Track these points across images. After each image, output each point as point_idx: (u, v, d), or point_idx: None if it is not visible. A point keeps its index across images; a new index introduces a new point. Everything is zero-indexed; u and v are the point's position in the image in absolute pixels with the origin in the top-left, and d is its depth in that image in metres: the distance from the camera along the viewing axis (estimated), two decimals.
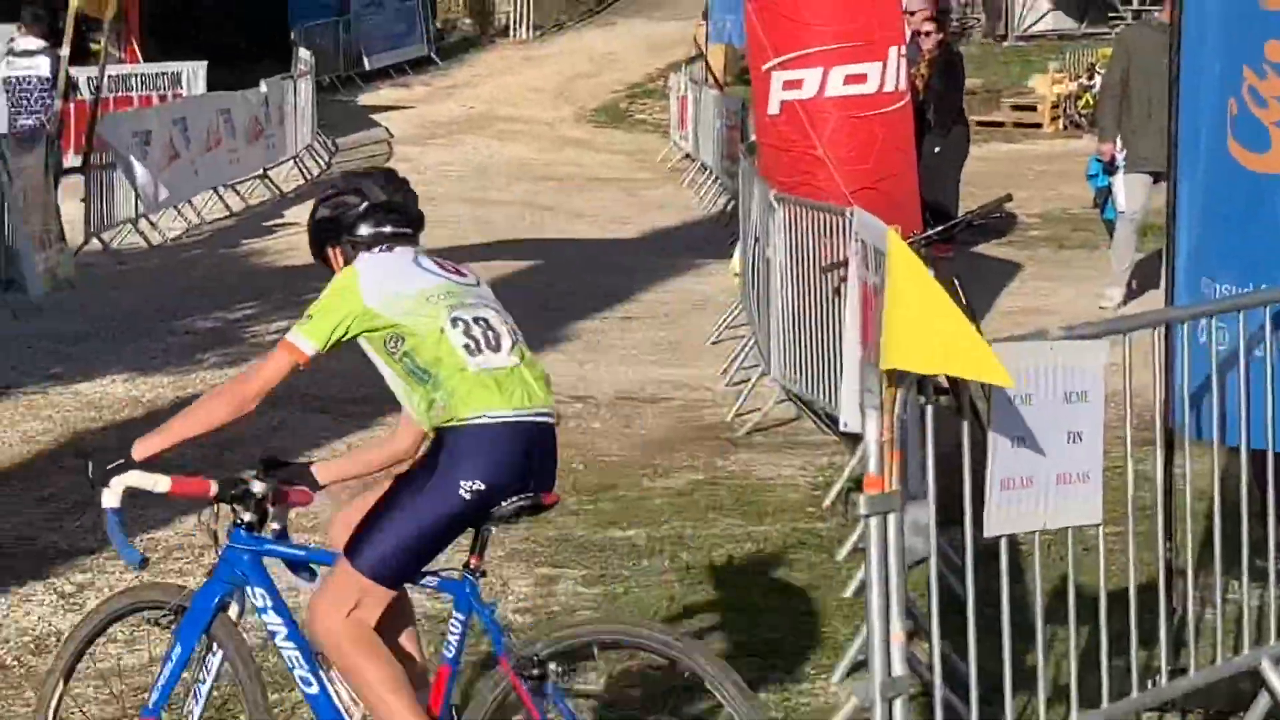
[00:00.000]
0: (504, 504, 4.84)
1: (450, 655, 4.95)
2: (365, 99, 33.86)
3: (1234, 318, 5.64)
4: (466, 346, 4.89)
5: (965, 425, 4.66)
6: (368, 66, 35.66)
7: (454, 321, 4.91)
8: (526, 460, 4.88)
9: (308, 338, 4.90)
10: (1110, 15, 32.74)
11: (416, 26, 37.14)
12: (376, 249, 5.06)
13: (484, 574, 4.99)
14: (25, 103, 17.70)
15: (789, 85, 10.88)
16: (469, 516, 4.86)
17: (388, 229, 5.09)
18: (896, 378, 4.35)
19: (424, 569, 4.97)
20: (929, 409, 4.56)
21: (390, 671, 4.89)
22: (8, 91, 17.90)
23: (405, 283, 4.96)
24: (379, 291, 4.91)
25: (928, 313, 4.32)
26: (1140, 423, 5.39)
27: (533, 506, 4.91)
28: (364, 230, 5.08)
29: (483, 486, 4.81)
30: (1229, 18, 6.21)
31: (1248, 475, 5.66)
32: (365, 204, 5.10)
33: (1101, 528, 5.00)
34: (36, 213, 15.44)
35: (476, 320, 4.94)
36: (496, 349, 4.92)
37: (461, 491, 4.81)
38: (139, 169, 18.40)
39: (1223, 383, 5.63)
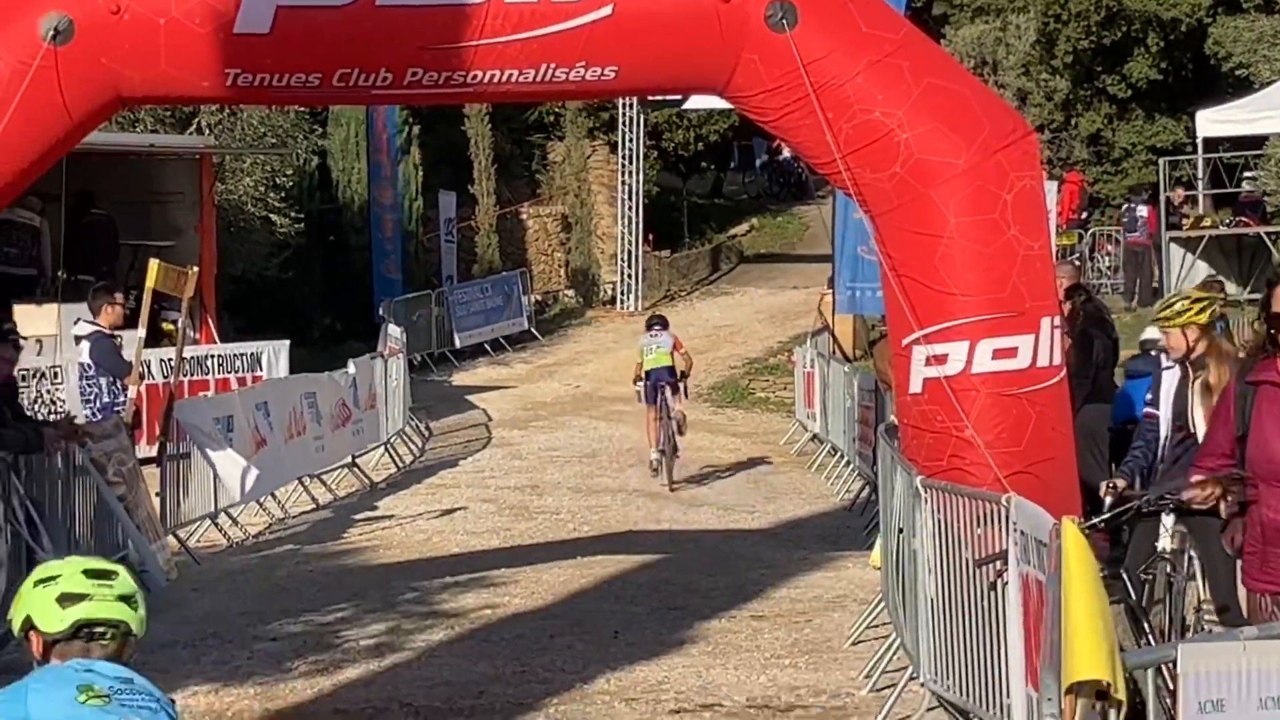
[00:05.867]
0: None
1: None
2: (460, 378, 34.30)
3: None
4: None
5: None
6: (458, 344, 36.06)
7: None
8: None
9: None
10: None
11: (514, 299, 37.50)
12: None
13: None
14: (84, 393, 17.87)
15: (932, 361, 10.95)
16: None
17: None
18: (1077, 687, 4.44)
19: None
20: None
21: None
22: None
23: None
24: None
25: (1102, 621, 4.44)
26: None
27: None
28: None
29: None
30: None
31: None
32: None
33: None
34: (140, 504, 15.74)
35: None
36: None
37: None
38: (224, 457, 18.45)
39: None
